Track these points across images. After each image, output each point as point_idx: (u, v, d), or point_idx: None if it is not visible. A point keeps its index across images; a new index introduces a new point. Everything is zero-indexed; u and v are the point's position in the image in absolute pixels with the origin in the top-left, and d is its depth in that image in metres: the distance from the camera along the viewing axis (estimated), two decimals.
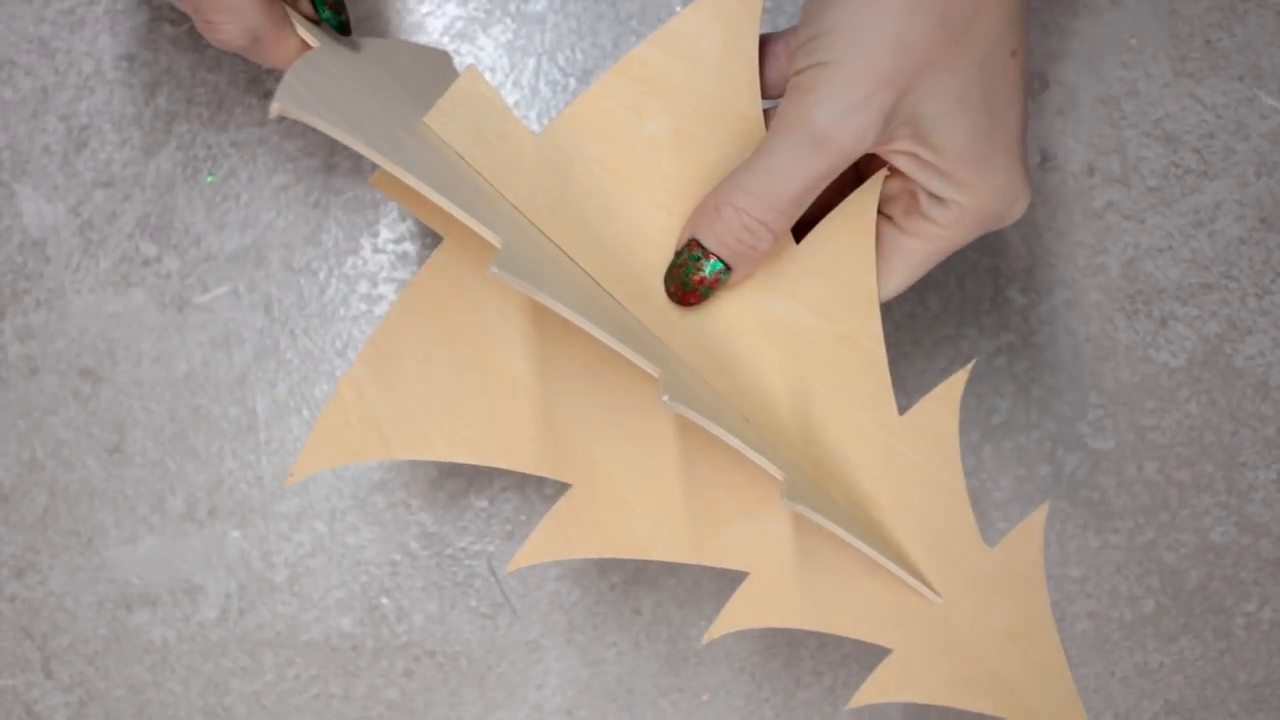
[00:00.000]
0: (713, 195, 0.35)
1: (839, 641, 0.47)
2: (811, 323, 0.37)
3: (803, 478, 0.36)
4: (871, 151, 0.35)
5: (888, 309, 0.47)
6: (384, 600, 0.47)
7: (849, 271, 0.37)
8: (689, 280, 0.36)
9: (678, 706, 0.47)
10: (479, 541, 0.47)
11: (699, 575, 0.47)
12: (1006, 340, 0.47)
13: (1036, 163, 0.47)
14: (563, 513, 0.37)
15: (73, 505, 0.47)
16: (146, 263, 0.46)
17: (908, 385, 0.47)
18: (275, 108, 0.29)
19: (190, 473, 0.47)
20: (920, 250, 0.37)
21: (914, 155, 0.35)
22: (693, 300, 0.36)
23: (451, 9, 0.47)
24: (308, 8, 0.38)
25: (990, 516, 0.47)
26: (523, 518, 0.47)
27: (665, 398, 0.31)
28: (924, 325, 0.47)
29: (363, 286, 0.46)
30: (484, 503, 0.47)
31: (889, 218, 0.37)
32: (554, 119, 0.36)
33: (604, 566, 0.47)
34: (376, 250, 0.46)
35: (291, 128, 0.46)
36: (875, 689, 0.37)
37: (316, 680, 0.47)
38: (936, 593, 0.37)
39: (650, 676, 0.47)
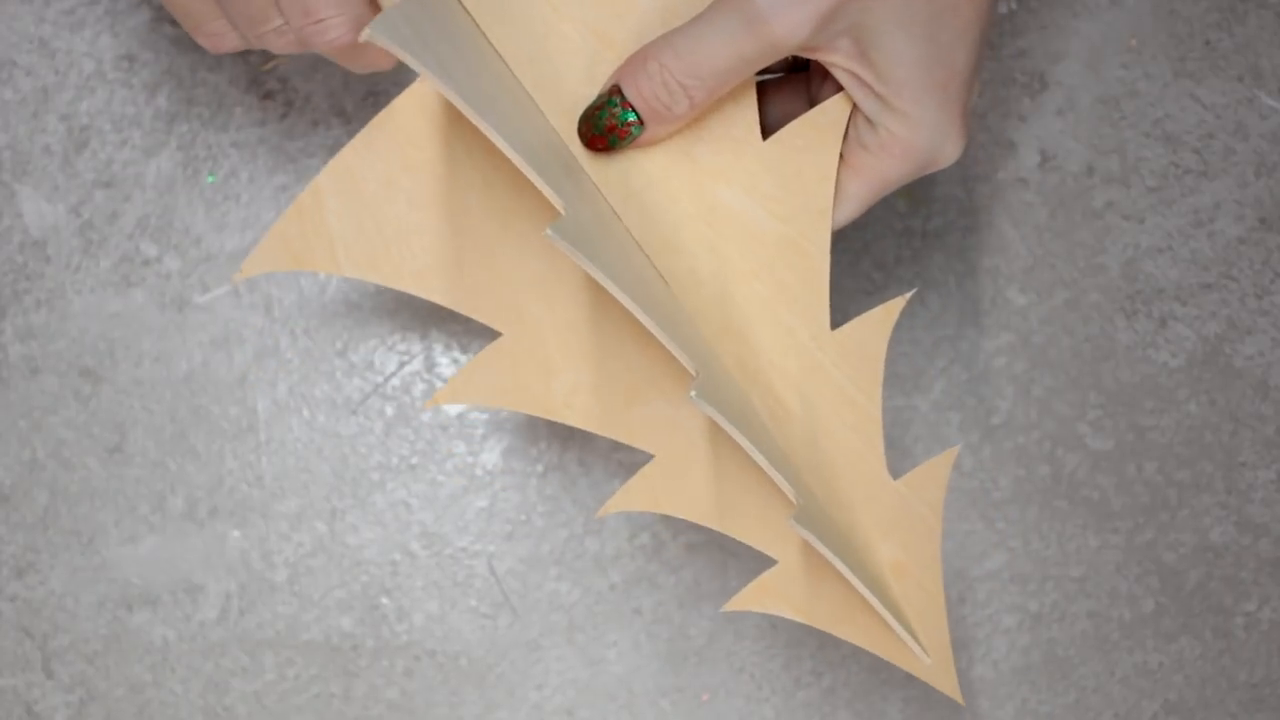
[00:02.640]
0: (643, 49, 0.36)
1: (839, 641, 0.47)
2: (762, 220, 0.37)
3: (722, 376, 0.36)
4: (814, 58, 0.36)
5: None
6: (384, 600, 0.47)
7: (808, 178, 0.37)
8: (600, 123, 0.36)
9: (678, 706, 0.47)
10: (479, 541, 0.47)
11: (699, 575, 0.47)
12: (1006, 340, 0.47)
13: (1036, 163, 0.47)
14: (488, 359, 0.37)
15: (73, 505, 0.47)
16: (147, 263, 0.47)
17: (906, 385, 0.47)
18: (366, 33, 0.28)
19: (190, 473, 0.47)
20: (852, 183, 0.37)
21: (852, 72, 0.35)
22: (599, 146, 0.36)
23: None
24: None
25: (990, 516, 0.47)
26: (523, 518, 0.47)
27: (693, 394, 0.31)
28: (924, 325, 0.47)
29: (363, 286, 0.47)
30: (484, 503, 0.47)
31: None
32: None
33: (604, 566, 0.47)
34: None
35: (292, 127, 0.46)
36: (753, 597, 0.37)
37: (316, 680, 0.47)
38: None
39: (650, 676, 0.47)
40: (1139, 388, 0.47)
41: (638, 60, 0.35)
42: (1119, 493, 0.47)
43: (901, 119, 0.35)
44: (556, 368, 0.37)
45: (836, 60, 0.35)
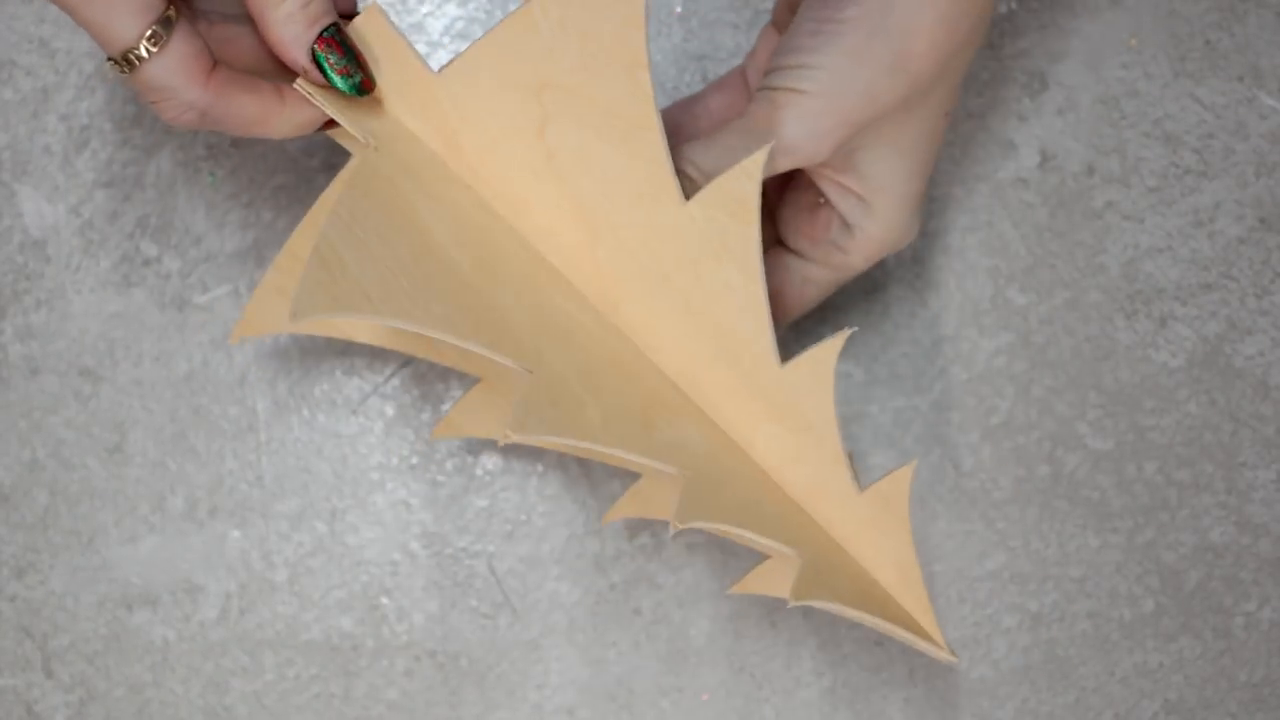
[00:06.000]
0: (684, 148, 0.38)
1: (839, 641, 0.47)
2: (701, 269, 0.39)
3: (706, 461, 0.39)
4: (807, 171, 0.40)
5: (888, 310, 0.47)
6: (384, 600, 0.47)
7: (742, 232, 0.38)
8: None
9: (678, 706, 0.47)
10: (479, 541, 0.47)
11: (699, 575, 0.47)
12: (1006, 340, 0.47)
13: (1036, 163, 0.47)
14: (527, 395, 0.36)
15: (73, 505, 0.47)
16: (147, 263, 0.47)
17: (906, 385, 0.47)
18: (291, 322, 0.29)
19: (190, 473, 0.47)
20: (824, 275, 0.41)
21: (843, 185, 0.39)
22: None
23: (451, 9, 0.47)
24: (317, 76, 0.36)
25: (990, 516, 0.47)
26: (523, 518, 0.47)
27: (675, 529, 0.35)
28: (924, 325, 0.47)
29: None
30: (484, 503, 0.47)
31: (795, 251, 0.42)
32: (450, 61, 0.37)
33: (604, 566, 0.47)
34: None
35: None
36: (756, 580, 0.41)
37: (316, 680, 0.47)
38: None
39: (650, 676, 0.47)
40: (1139, 388, 0.47)
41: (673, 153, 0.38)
42: (1119, 493, 0.47)
43: (880, 222, 0.40)
44: (585, 398, 0.38)
45: (831, 175, 0.39)
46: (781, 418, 0.39)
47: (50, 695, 0.47)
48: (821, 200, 0.41)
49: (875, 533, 0.40)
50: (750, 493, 0.39)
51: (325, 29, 0.35)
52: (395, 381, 0.47)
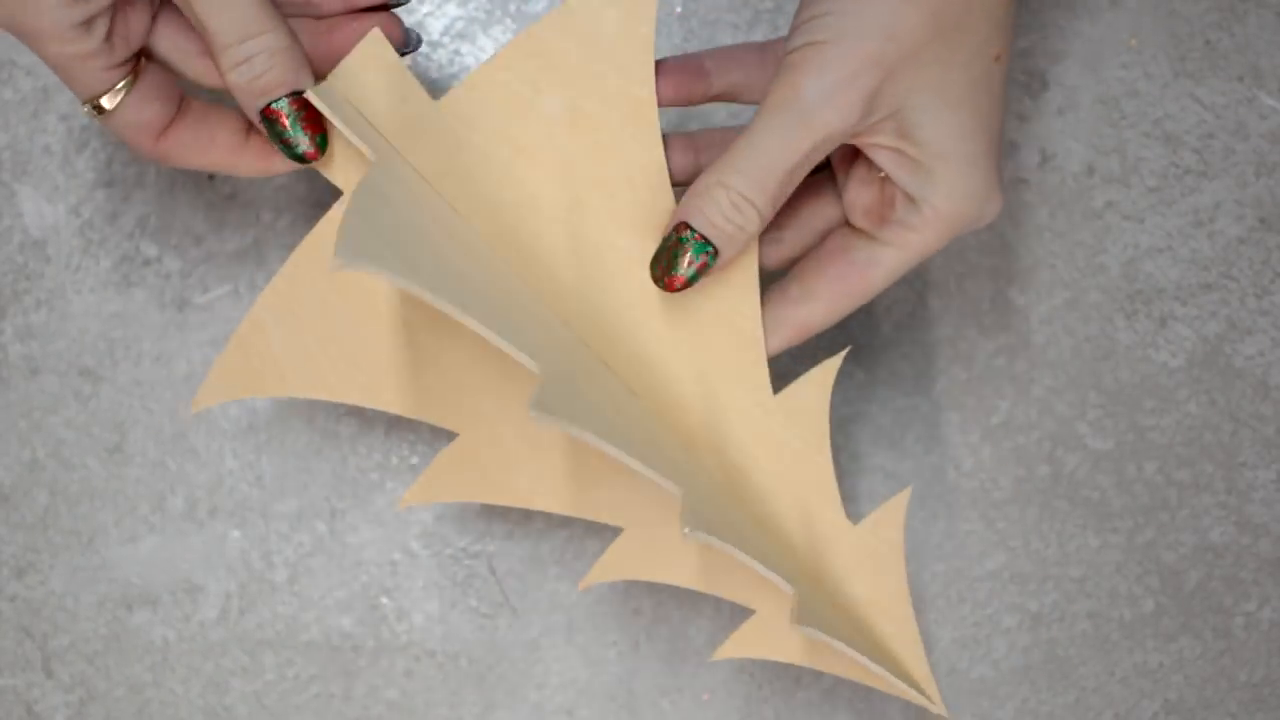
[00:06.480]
0: (702, 178, 0.36)
1: None
2: (691, 295, 0.38)
3: (703, 485, 0.38)
4: (858, 143, 0.36)
5: (888, 310, 0.47)
6: (384, 600, 0.47)
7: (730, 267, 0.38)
8: (678, 263, 0.36)
9: (678, 706, 0.47)
10: (479, 541, 0.47)
11: None
12: (1006, 340, 0.47)
13: (1036, 163, 0.47)
14: (452, 458, 0.38)
15: (73, 505, 0.47)
16: (147, 263, 0.47)
17: (906, 385, 0.47)
18: (335, 262, 0.29)
19: (190, 473, 0.47)
20: (895, 258, 0.37)
21: (897, 150, 0.36)
22: (678, 285, 0.37)
23: (452, 9, 0.47)
24: (264, 135, 0.36)
25: (990, 516, 0.47)
26: (522, 518, 0.47)
27: (686, 529, 0.33)
28: (924, 325, 0.47)
29: None
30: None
31: (862, 231, 0.38)
32: (453, 88, 0.37)
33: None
34: None
35: None
36: (736, 646, 0.40)
37: (316, 680, 0.47)
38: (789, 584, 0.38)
39: (650, 676, 0.47)
40: (1139, 388, 0.47)
41: (700, 190, 0.36)
42: (1119, 493, 0.47)
43: (946, 191, 0.36)
44: (518, 459, 0.38)
45: (881, 141, 0.36)
46: (776, 448, 0.39)
47: (50, 695, 0.47)
48: (882, 174, 0.37)
49: (869, 570, 0.39)
50: (745, 524, 0.39)
51: (275, 100, 0.35)
52: None
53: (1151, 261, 0.47)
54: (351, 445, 0.47)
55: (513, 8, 0.47)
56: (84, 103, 0.36)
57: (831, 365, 0.39)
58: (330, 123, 0.36)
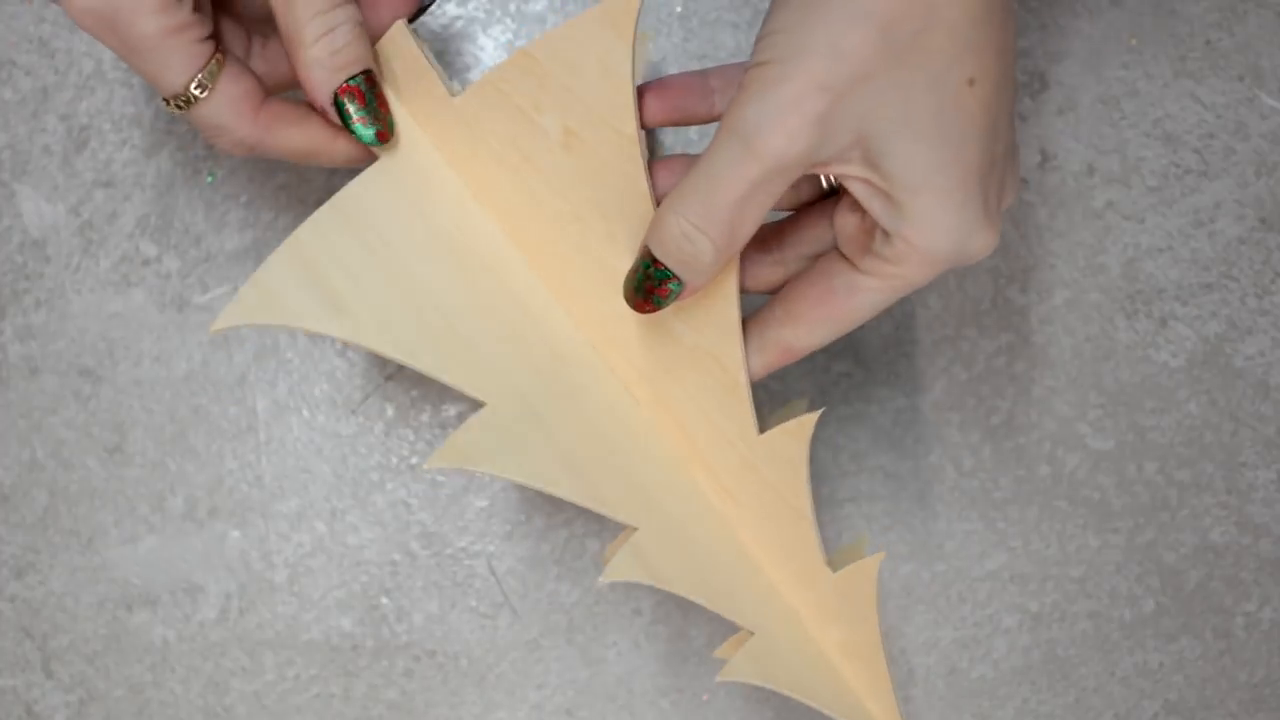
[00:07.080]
0: (661, 206, 0.35)
1: None
2: (674, 327, 0.38)
3: (688, 507, 0.39)
4: (827, 173, 0.35)
5: (888, 310, 0.47)
6: (384, 600, 0.47)
7: (715, 294, 0.38)
8: (641, 288, 0.36)
9: (678, 706, 0.47)
10: (479, 541, 0.47)
11: None
12: (1006, 340, 0.47)
13: (1037, 162, 0.47)
14: (483, 424, 0.38)
15: (73, 505, 0.47)
16: (146, 263, 0.47)
17: (906, 386, 0.47)
18: (215, 326, 0.30)
19: (190, 473, 0.47)
20: (875, 288, 0.36)
21: (866, 181, 0.34)
22: (647, 309, 0.36)
23: (451, 9, 0.47)
24: (335, 119, 0.36)
25: (990, 517, 0.47)
26: (522, 518, 0.47)
27: (602, 579, 0.36)
28: (924, 325, 0.47)
29: None
30: (484, 503, 0.47)
31: (846, 259, 0.37)
32: (467, 88, 0.37)
33: (604, 566, 0.47)
34: None
35: None
36: (736, 669, 0.40)
37: (316, 680, 0.47)
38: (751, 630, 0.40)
39: (650, 676, 0.47)
40: (1139, 388, 0.47)
41: (657, 218, 0.35)
42: (1119, 493, 0.47)
43: (919, 226, 0.34)
44: (541, 440, 0.38)
45: (850, 171, 0.34)
46: (759, 487, 0.39)
47: (50, 695, 0.47)
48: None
49: (845, 616, 0.39)
50: (718, 561, 0.39)
51: (352, 77, 0.35)
52: (395, 381, 0.47)
53: (1152, 261, 0.47)
54: (351, 445, 0.47)
55: (513, 8, 0.46)
56: (170, 98, 0.35)
57: (809, 420, 0.38)
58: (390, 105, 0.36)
